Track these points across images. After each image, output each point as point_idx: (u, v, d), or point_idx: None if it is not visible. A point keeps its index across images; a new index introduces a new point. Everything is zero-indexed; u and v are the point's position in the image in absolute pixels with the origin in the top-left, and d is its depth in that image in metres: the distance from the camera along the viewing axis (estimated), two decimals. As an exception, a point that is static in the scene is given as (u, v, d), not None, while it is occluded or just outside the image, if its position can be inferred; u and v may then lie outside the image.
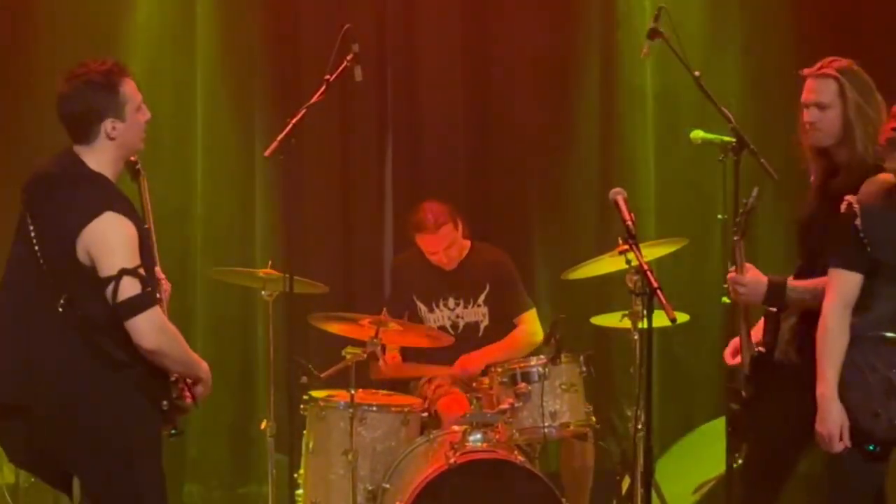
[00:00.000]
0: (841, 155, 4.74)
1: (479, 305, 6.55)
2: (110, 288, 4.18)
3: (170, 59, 7.20)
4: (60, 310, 4.24)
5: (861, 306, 4.55)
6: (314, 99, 5.56)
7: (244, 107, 7.23)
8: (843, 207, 4.50)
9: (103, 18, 7.10)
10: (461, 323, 6.57)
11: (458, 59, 7.33)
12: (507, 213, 7.36)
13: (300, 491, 6.00)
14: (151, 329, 4.22)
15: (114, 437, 4.28)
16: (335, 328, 6.20)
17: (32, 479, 6.23)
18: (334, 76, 5.63)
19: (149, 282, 4.25)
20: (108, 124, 4.35)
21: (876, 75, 4.65)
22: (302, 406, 6.07)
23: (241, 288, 6.98)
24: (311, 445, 6.00)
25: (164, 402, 4.35)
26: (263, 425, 6.39)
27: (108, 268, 4.20)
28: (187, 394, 4.47)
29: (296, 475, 6.03)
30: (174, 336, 4.32)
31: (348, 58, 5.69)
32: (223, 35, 7.23)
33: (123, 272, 4.18)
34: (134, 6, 7.12)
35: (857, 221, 4.50)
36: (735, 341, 4.90)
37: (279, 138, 5.45)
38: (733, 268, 4.72)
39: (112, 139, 4.37)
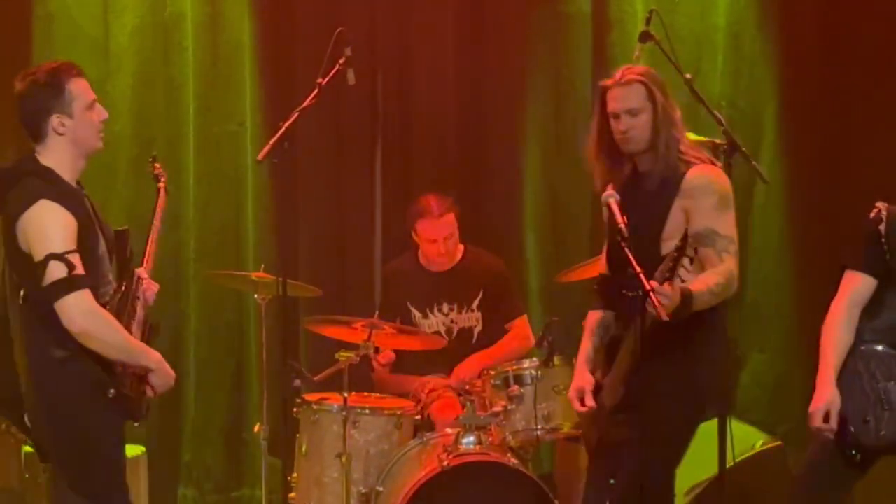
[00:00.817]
0: (646, 161, 4.80)
1: (472, 311, 6.55)
2: (38, 273, 4.25)
3: (162, 62, 7.18)
4: (21, 303, 4.35)
5: (868, 313, 4.59)
6: (306, 103, 5.56)
7: (237, 111, 7.22)
8: (872, 213, 4.54)
9: (96, 21, 7.10)
10: (455, 328, 6.57)
11: (450, 63, 7.33)
12: (499, 216, 7.36)
13: (293, 494, 6.01)
14: (78, 311, 4.26)
15: (68, 427, 4.37)
16: (328, 331, 6.21)
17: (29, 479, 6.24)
18: (327, 80, 5.64)
19: (77, 267, 4.26)
20: (55, 120, 4.43)
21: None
22: (295, 409, 6.07)
23: (234, 292, 6.98)
24: (304, 448, 6.01)
25: (111, 391, 4.38)
26: (257, 428, 6.39)
27: (38, 254, 4.28)
28: (149, 387, 4.51)
29: (289, 478, 6.03)
30: (106, 320, 4.35)
31: (341, 61, 5.70)
32: (215, 38, 7.23)
33: (49, 257, 4.24)
34: (126, 10, 7.11)
35: (882, 227, 4.55)
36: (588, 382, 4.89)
37: (271, 142, 5.46)
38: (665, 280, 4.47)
39: (61, 135, 4.45)
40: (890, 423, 4.58)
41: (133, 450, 6.29)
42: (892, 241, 4.61)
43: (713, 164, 4.90)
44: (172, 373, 4.58)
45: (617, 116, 4.78)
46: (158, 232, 4.99)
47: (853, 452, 4.61)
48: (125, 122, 7.10)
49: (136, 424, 4.61)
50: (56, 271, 4.25)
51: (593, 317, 5.02)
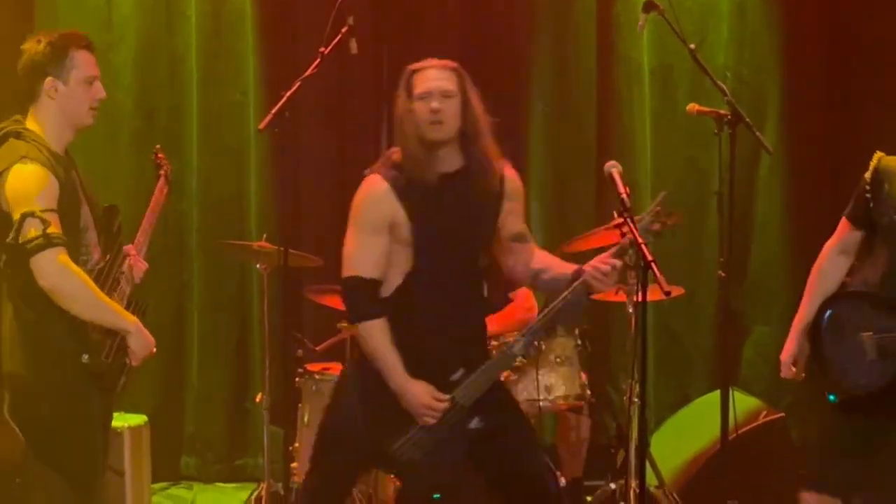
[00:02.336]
0: (443, 155, 4.58)
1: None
2: (15, 231, 4.23)
3: (165, 34, 7.17)
4: (2, 266, 4.34)
5: (859, 262, 4.62)
6: (308, 72, 5.54)
7: (239, 80, 7.21)
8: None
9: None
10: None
11: (454, 33, 7.30)
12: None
13: (295, 464, 6.02)
14: (50, 267, 4.23)
15: (40, 391, 4.35)
16: (330, 301, 6.20)
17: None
18: (329, 49, 5.61)
19: (53, 225, 4.23)
20: (48, 82, 4.41)
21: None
22: (297, 379, 6.07)
23: (237, 262, 6.98)
24: (306, 418, 6.01)
25: (85, 356, 4.36)
26: (259, 398, 6.39)
27: (15, 213, 4.26)
28: (130, 356, 4.48)
29: (291, 448, 6.04)
30: (78, 279, 4.30)
31: (343, 30, 5.67)
32: (218, 9, 7.21)
33: (25, 215, 4.22)
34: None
35: (867, 175, 4.55)
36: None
37: (273, 111, 5.43)
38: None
39: (52, 98, 4.42)
40: (868, 372, 4.59)
41: (136, 419, 6.30)
42: (876, 191, 4.60)
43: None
44: (152, 339, 4.53)
45: (424, 97, 4.54)
46: (155, 218, 4.95)
47: (832, 397, 4.64)
48: (127, 92, 7.08)
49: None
50: (31, 228, 4.21)
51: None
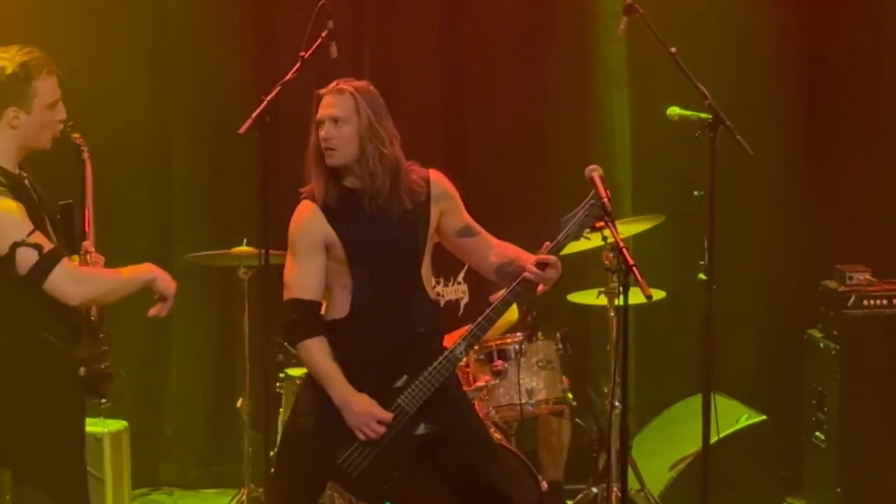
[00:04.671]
0: (351, 177, 4.70)
1: (459, 283, 6.52)
2: (9, 265, 4.21)
3: (147, 37, 7.16)
4: None
5: None
6: (289, 76, 5.51)
7: (220, 84, 7.19)
8: None
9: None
10: (441, 301, 6.54)
11: (434, 36, 7.29)
12: (483, 189, 7.28)
13: (276, 469, 5.99)
14: (70, 283, 4.27)
15: (31, 414, 4.34)
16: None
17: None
18: (309, 53, 5.59)
19: (44, 244, 4.24)
20: (10, 112, 4.37)
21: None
22: (278, 384, 6.05)
23: (216, 266, 6.96)
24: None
25: (81, 369, 4.37)
26: (239, 403, 6.38)
27: (2, 249, 4.23)
28: (158, 305, 4.54)
29: (272, 453, 6.00)
30: (96, 276, 4.38)
31: (323, 34, 5.65)
32: (199, 12, 7.19)
33: (14, 245, 4.21)
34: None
35: None
36: None
37: (253, 115, 5.40)
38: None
39: (13, 128, 4.39)
40: None
41: (115, 424, 6.28)
42: None
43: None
44: (170, 277, 4.59)
45: (320, 123, 4.69)
46: (92, 202, 4.91)
47: None
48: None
49: (102, 402, 4.58)
50: (28, 257, 4.22)
51: None
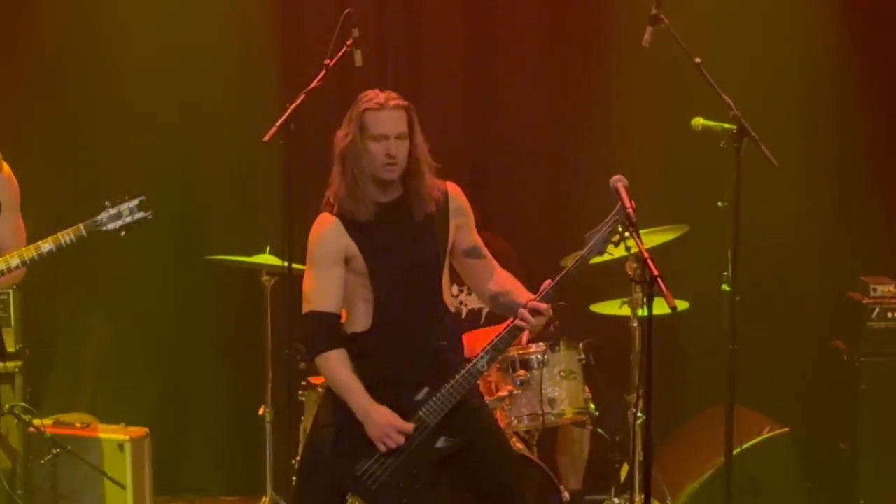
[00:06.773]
0: (389, 190, 4.70)
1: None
2: None
3: (174, 45, 7.19)
4: None
5: None
6: (313, 84, 5.54)
7: (245, 92, 7.20)
8: None
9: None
10: (464, 310, 6.55)
11: (459, 44, 7.30)
12: (507, 198, 7.33)
13: (298, 477, 5.99)
14: None
15: None
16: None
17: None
18: (334, 61, 5.61)
19: None
20: None
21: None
22: (300, 392, 6.05)
23: (241, 273, 6.97)
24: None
25: None
26: (262, 411, 6.38)
27: None
28: None
29: (293, 461, 6.01)
30: None
31: (348, 42, 5.66)
32: (226, 21, 7.21)
33: None
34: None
35: None
36: None
37: (278, 123, 5.44)
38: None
39: None
40: None
41: (137, 431, 6.29)
42: None
43: None
44: None
45: (385, 138, 4.65)
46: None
47: None
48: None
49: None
50: None
51: None
